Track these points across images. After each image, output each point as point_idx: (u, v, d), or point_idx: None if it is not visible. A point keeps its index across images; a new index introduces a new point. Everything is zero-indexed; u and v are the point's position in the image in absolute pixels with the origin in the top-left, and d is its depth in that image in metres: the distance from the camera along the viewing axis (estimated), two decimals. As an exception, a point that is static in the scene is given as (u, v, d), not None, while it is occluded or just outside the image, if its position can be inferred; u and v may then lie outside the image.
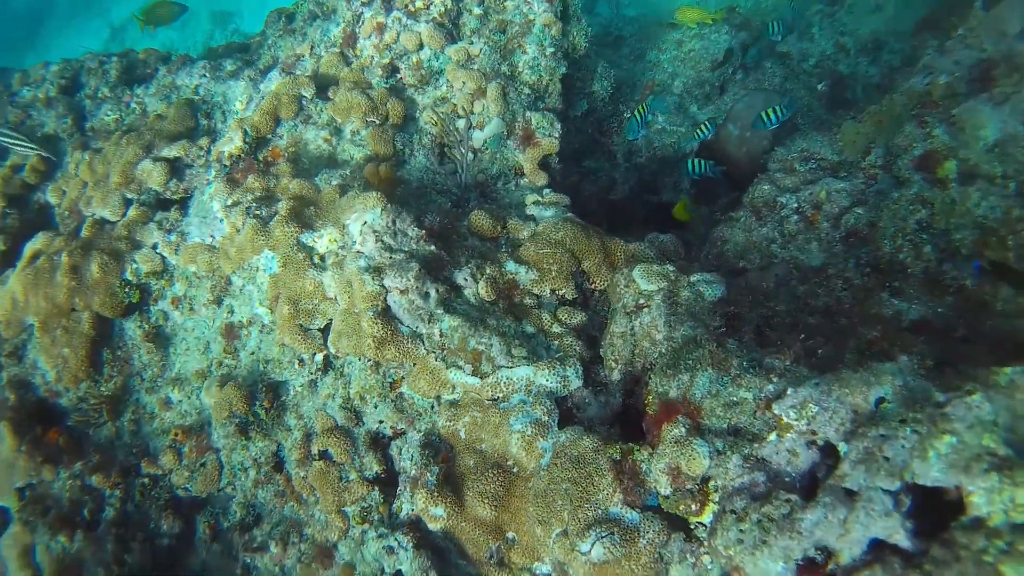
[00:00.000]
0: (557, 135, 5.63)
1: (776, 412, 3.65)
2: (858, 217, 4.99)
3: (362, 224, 4.78)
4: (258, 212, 5.14)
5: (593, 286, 4.98)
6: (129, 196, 5.86)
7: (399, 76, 6.05)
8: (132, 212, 5.78)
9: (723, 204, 6.84)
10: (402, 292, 4.53)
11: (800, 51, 7.35)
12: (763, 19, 7.61)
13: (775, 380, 3.76)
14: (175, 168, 5.93)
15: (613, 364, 4.54)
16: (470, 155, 5.55)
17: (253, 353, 5.14)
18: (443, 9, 6.07)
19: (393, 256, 4.65)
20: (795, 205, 5.19)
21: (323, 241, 4.91)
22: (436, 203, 5.48)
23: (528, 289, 4.82)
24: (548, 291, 4.84)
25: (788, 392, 3.67)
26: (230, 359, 5.20)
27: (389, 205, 4.79)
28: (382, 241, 4.71)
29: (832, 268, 4.91)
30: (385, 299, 4.54)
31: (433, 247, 4.77)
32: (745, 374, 3.80)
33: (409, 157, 5.73)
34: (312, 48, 6.40)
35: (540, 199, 5.39)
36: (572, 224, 5.01)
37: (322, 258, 4.90)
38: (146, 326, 5.51)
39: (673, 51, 7.41)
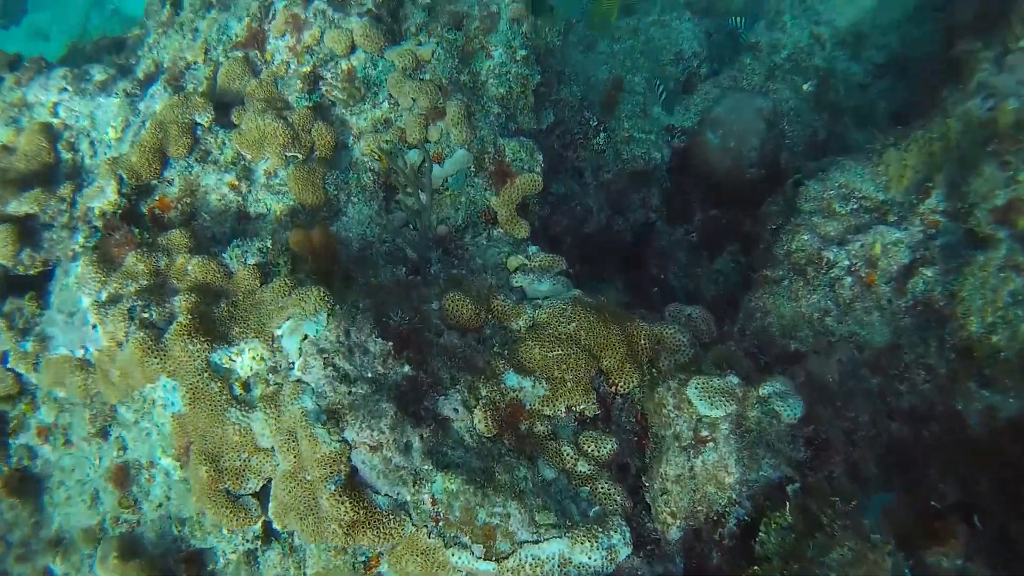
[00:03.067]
0: (539, 169, 3.81)
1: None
2: (929, 282, 3.49)
3: (302, 339, 2.90)
4: (145, 314, 3.14)
5: (613, 389, 3.29)
6: (-38, 273, 3.69)
7: (324, 89, 4.03)
8: (-33, 300, 3.62)
9: (700, 221, 5.20)
10: (373, 449, 2.72)
11: (771, 42, 5.69)
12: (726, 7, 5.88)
13: (954, 605, 2.25)
14: (27, 229, 3.78)
15: (669, 519, 2.93)
16: (428, 201, 3.64)
17: (160, 506, 3.23)
18: (379, -1, 4.04)
19: (353, 390, 2.81)
20: (847, 263, 3.63)
21: (244, 359, 3.01)
22: (387, 270, 3.61)
23: (538, 410, 3.10)
24: (563, 409, 3.12)
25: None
26: (129, 513, 3.27)
27: (337, 307, 2.93)
28: (334, 366, 2.86)
29: (908, 351, 3.40)
30: (350, 458, 2.73)
31: (407, 367, 2.95)
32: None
33: (345, 204, 3.79)
34: (207, 51, 4.23)
35: (526, 261, 3.61)
36: (583, 310, 3.27)
37: (246, 386, 3.00)
38: (4, 469, 3.45)
39: (629, 40, 5.58)
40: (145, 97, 4.25)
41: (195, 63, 4.27)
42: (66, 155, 4.24)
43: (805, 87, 5.23)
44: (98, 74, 4.52)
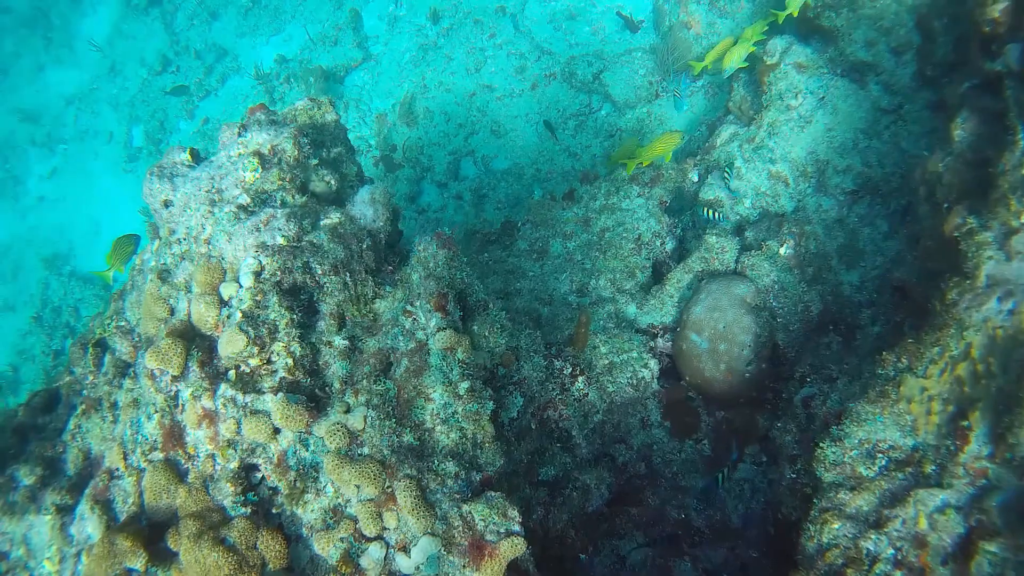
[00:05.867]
0: (518, 526, 3.25)
1: None
2: (996, 563, 2.89)
3: None
4: None
5: None
6: None
7: (260, 475, 3.55)
8: None
9: (709, 427, 4.62)
10: None
11: (728, 193, 5.12)
12: (677, 168, 5.33)
13: None
14: None
15: None
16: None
17: None
18: (290, 363, 3.54)
19: None
20: (891, 553, 3.05)
21: None
22: None
23: None
24: None
25: None
26: None
27: None
28: None
29: (997, 663, 2.82)
30: None
31: None
32: None
33: (326, 628, 3.27)
34: (126, 456, 3.77)
35: (536, 650, 3.07)
36: None
37: None
38: None
39: (582, 235, 5.01)
40: (75, 518, 3.82)
41: (116, 469, 3.81)
42: (10, 596, 3.82)
43: (782, 251, 4.62)
44: (26, 478, 4.10)
